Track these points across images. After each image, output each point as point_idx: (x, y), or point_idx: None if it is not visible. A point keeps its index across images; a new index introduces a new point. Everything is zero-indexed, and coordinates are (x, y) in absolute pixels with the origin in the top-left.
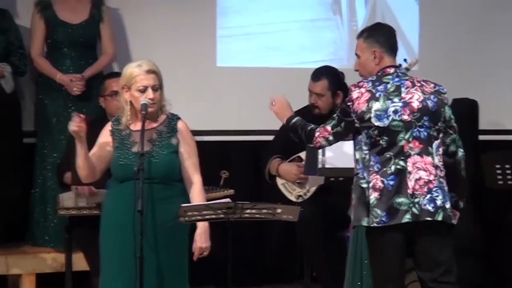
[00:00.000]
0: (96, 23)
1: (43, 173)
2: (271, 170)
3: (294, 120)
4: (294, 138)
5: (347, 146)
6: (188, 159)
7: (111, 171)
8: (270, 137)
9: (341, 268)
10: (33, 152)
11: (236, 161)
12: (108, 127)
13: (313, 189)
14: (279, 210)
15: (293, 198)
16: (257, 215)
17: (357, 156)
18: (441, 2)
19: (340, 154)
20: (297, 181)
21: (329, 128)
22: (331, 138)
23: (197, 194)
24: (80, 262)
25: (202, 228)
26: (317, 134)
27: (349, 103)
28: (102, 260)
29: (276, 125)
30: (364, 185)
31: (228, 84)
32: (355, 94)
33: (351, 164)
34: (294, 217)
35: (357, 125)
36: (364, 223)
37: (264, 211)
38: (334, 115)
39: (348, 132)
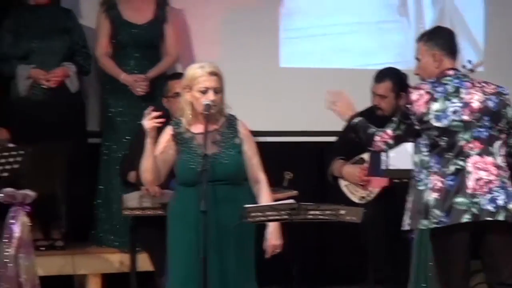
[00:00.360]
0: (160, 24)
1: (108, 173)
2: (334, 172)
3: (356, 121)
4: (355, 138)
5: (412, 147)
6: (252, 158)
7: (179, 175)
8: (333, 138)
9: (405, 270)
10: (98, 152)
11: (300, 162)
12: (169, 131)
13: (376, 190)
14: (342, 212)
15: (356, 200)
16: (321, 216)
17: (416, 159)
18: (510, 3)
19: (404, 155)
20: (360, 183)
21: (389, 131)
22: (391, 142)
23: (265, 192)
24: (144, 263)
25: (273, 226)
26: (377, 138)
27: (408, 105)
28: (170, 262)
29: (340, 126)
30: (422, 187)
31: (291, 85)
32: (414, 96)
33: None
34: (358, 219)
35: (417, 127)
36: (422, 225)
37: (328, 212)
38: (395, 118)
39: (408, 135)
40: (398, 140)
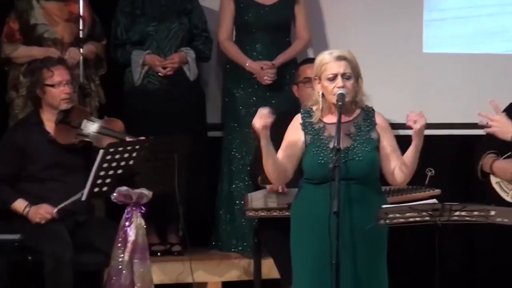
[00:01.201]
0: (290, 5)
1: (230, 169)
2: (484, 167)
3: None
4: None
5: None
6: (394, 151)
7: (306, 170)
8: (480, 131)
9: None
10: (219, 147)
11: (443, 158)
12: (297, 120)
13: None
14: (492, 213)
15: (509, 199)
16: (468, 218)
17: None
18: None
19: None
20: None
21: None
22: None
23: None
24: (270, 270)
25: None
26: None
27: None
28: (294, 269)
29: None
30: None
31: (435, 72)
32: None
33: None
34: (511, 220)
35: None
36: None
37: (476, 213)
38: None
39: None
40: None
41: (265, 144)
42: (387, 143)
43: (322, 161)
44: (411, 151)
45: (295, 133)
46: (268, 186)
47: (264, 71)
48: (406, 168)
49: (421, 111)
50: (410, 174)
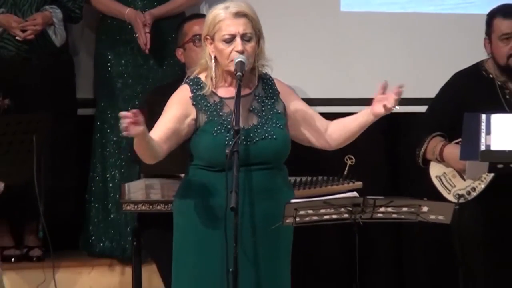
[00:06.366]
0: None
1: (104, 154)
2: (429, 153)
3: None
4: None
5: None
6: (308, 109)
7: (201, 155)
8: (414, 108)
9: None
10: (91, 128)
11: (365, 143)
12: (186, 92)
13: (481, 188)
14: (425, 209)
15: (451, 198)
16: (395, 215)
17: None
18: None
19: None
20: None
21: None
22: None
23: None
24: (151, 277)
25: None
26: None
27: None
28: (176, 277)
29: (424, 91)
30: None
31: (354, 35)
32: None
33: None
34: (446, 218)
35: None
36: None
37: (405, 209)
38: None
39: None
40: None
41: (140, 140)
42: (300, 105)
43: (227, 143)
44: (360, 127)
45: (181, 106)
46: None
47: (141, 24)
48: (344, 137)
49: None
50: (348, 140)
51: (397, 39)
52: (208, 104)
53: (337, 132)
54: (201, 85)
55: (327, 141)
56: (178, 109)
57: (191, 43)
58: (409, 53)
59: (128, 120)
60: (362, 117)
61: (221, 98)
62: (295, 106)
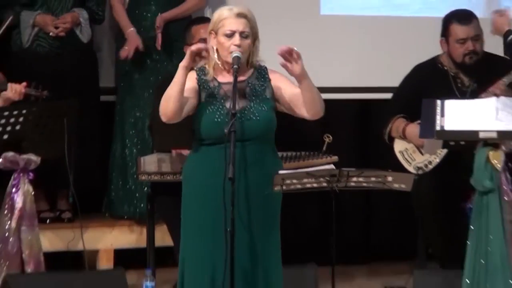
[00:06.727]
0: None
1: (123, 134)
2: (393, 131)
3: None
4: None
5: (472, 107)
6: (293, 89)
7: (199, 129)
8: (380, 95)
9: (462, 246)
10: (112, 111)
11: (340, 124)
12: (193, 75)
13: (436, 161)
14: (390, 178)
15: (411, 169)
16: (365, 184)
17: None
18: None
19: (462, 115)
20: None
21: None
22: None
23: None
24: (164, 236)
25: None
26: None
27: None
28: (184, 235)
29: (389, 81)
30: None
31: (333, 35)
32: None
33: (475, 127)
34: (407, 187)
35: None
36: None
37: (373, 179)
38: None
39: None
40: None
41: (182, 74)
42: (286, 87)
43: (219, 120)
44: (305, 91)
45: (192, 83)
46: (173, 151)
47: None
48: (310, 104)
49: (290, 47)
50: (320, 106)
51: (371, 39)
52: (209, 87)
53: (306, 107)
54: (205, 72)
55: (303, 111)
56: (189, 84)
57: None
58: (380, 50)
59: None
60: (301, 85)
61: (219, 82)
62: (283, 87)
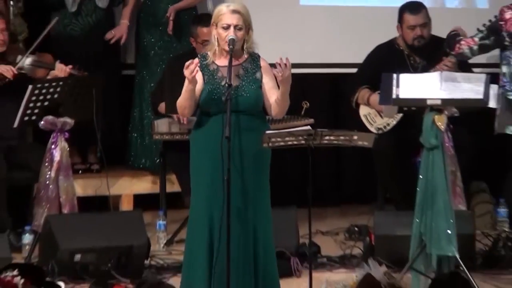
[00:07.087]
0: None
1: (140, 101)
2: (359, 99)
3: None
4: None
5: (421, 79)
6: (273, 88)
7: (202, 104)
8: (348, 70)
9: (413, 192)
10: (131, 83)
11: (316, 93)
12: (196, 61)
13: (393, 123)
14: (355, 137)
15: (373, 130)
16: (335, 141)
17: (504, 70)
18: None
19: (414, 86)
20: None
21: (476, 39)
22: (475, 48)
23: None
24: (173, 183)
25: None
26: (462, 41)
27: (501, 22)
28: (193, 184)
29: (355, 58)
30: (511, 97)
31: (310, 22)
32: (507, 15)
33: (424, 96)
34: (369, 144)
35: (506, 43)
36: (509, 131)
37: (342, 137)
38: (482, 29)
39: (494, 47)
40: (483, 49)
41: (189, 87)
42: (268, 81)
43: (216, 97)
44: (280, 94)
45: (199, 73)
46: (175, 116)
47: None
48: (279, 105)
49: (287, 60)
50: (283, 110)
51: (341, 24)
52: (209, 70)
53: (276, 107)
54: (206, 57)
55: (271, 113)
56: (199, 75)
57: (200, 44)
58: (348, 34)
59: (193, 67)
60: (280, 88)
61: (218, 66)
62: (267, 79)
